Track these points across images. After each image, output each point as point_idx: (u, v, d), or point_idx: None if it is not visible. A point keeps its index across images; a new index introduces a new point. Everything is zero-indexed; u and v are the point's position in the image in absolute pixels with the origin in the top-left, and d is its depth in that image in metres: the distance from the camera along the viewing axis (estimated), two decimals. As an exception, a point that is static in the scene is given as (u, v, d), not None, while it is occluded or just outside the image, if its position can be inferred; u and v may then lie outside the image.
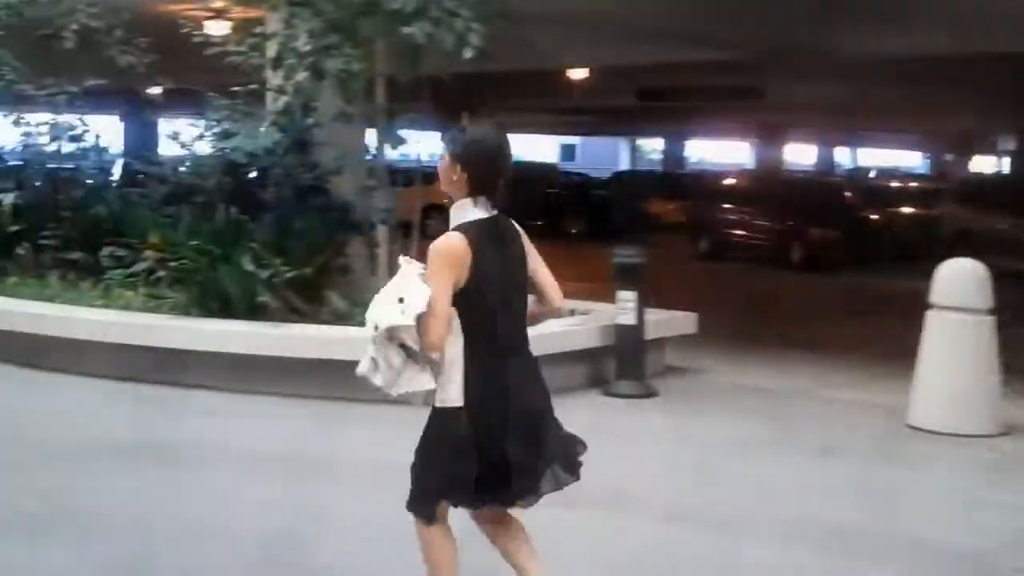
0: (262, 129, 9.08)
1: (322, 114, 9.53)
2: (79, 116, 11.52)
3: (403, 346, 3.66)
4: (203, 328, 8.53)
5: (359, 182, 10.90)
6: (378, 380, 3.74)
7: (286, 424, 7.72)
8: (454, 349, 3.72)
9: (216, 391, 8.27)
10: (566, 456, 3.97)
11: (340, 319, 8.74)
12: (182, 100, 15.28)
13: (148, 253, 10.01)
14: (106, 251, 10.51)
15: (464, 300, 3.70)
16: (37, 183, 11.34)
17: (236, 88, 10.01)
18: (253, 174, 10.64)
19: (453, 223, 3.79)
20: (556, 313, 4.26)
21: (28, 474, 6.38)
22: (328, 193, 10.50)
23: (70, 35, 11.06)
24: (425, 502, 3.84)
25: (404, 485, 3.89)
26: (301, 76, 9.09)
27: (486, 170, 3.79)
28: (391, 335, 3.64)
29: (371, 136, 10.68)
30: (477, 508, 3.93)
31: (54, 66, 11.52)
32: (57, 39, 11.08)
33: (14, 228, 11.15)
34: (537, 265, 3.99)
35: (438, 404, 3.75)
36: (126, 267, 10.08)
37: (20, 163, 11.97)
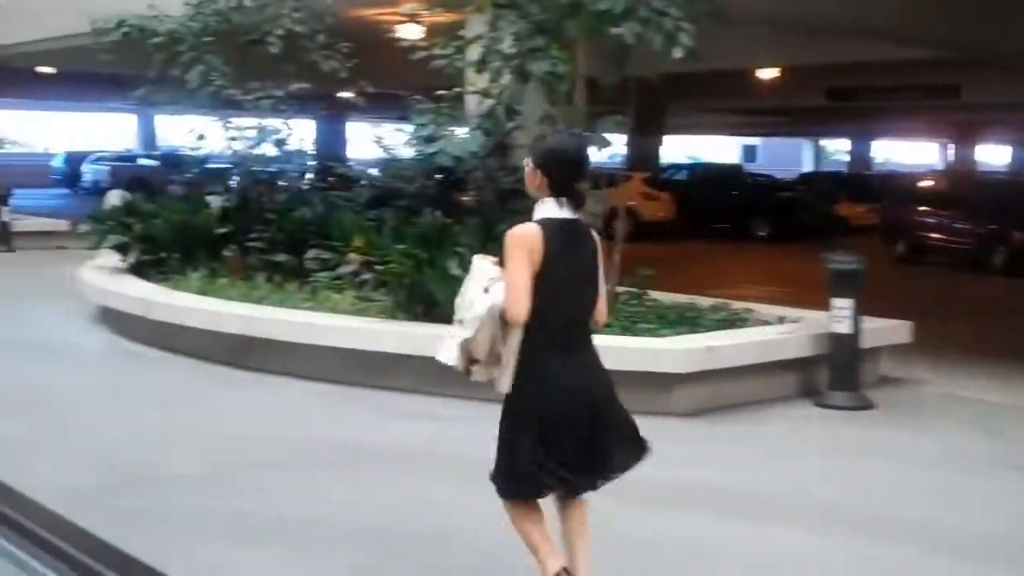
0: (466, 132, 9.02)
1: (525, 117, 9.45)
2: (284, 120, 11.71)
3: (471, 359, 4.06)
4: (410, 332, 8.51)
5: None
6: (460, 366, 4.09)
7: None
8: (515, 338, 3.97)
9: (422, 395, 8.25)
10: (616, 457, 4.21)
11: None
12: (376, 104, 15.44)
13: (352, 256, 10.12)
14: (311, 254, 10.67)
15: (532, 289, 3.94)
16: (244, 186, 11.55)
17: (441, 92, 10.02)
18: (454, 177, 10.71)
19: (535, 219, 4.07)
20: (597, 327, 4.36)
21: (239, 474, 6.44)
22: (530, 197, 10.46)
23: (275, 40, 11.29)
24: (510, 489, 4.14)
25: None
26: (505, 79, 9.04)
27: (563, 175, 4.08)
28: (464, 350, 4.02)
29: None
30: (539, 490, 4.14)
31: (259, 71, 11.77)
32: (263, 44, 11.32)
33: (221, 230, 11.41)
34: (601, 272, 4.26)
35: (497, 389, 4.07)
36: (331, 270, 10.20)
37: (227, 166, 12.25)
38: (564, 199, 4.06)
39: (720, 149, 65.51)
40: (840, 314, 8.51)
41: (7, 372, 9.12)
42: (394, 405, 8.12)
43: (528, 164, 4.17)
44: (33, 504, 2.46)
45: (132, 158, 42.76)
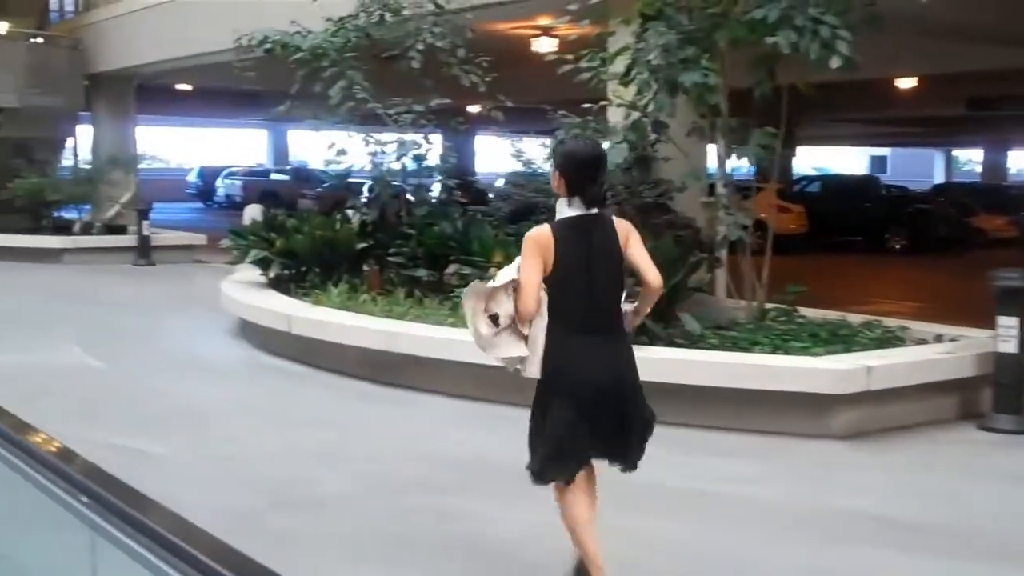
0: (613, 145, 8.85)
1: (672, 129, 9.25)
2: (424, 135, 11.68)
3: (491, 317, 4.41)
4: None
5: (698, 199, 10.65)
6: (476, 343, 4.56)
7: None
8: (539, 326, 4.40)
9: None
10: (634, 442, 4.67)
11: (694, 342, 8.40)
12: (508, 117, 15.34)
13: (493, 271, 10.00)
14: (451, 269, 10.60)
15: (547, 283, 4.38)
16: (384, 201, 11.55)
17: (587, 104, 9.88)
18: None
19: (556, 218, 4.50)
20: (654, 292, 4.67)
21: (394, 495, 6.34)
22: (672, 210, 10.26)
23: (416, 55, 11.27)
24: (542, 472, 4.53)
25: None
26: (652, 90, 8.86)
27: (578, 176, 4.45)
28: (480, 306, 4.44)
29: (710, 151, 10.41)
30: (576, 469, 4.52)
31: (398, 86, 11.77)
32: (403, 59, 11.32)
33: (361, 245, 11.42)
34: (638, 250, 4.58)
35: (525, 374, 4.50)
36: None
37: (368, 181, 12.27)
38: (578, 198, 4.43)
39: (848, 160, 64.18)
40: (1006, 333, 8.11)
41: (152, 387, 9.22)
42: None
43: (551, 168, 4.65)
44: (193, 528, 2.63)
45: (264, 173, 43.60)
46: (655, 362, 8.01)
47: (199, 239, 20.55)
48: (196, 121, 47.19)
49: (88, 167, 22.10)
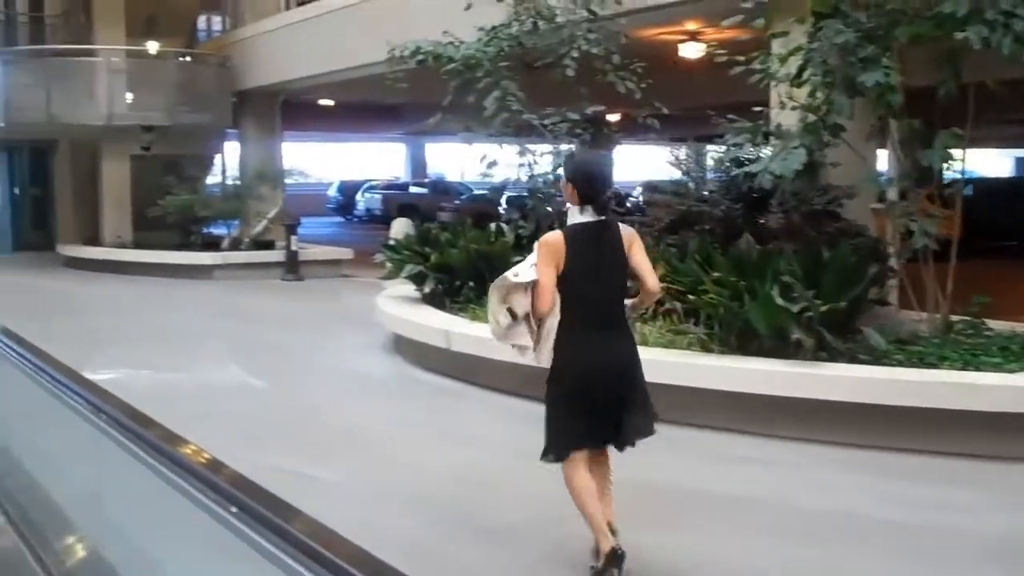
0: (777, 150, 8.39)
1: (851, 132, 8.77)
2: (579, 145, 11.34)
3: (510, 310, 4.92)
4: (728, 366, 7.95)
5: (868, 205, 10.14)
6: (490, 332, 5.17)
7: (829, 475, 6.98)
8: (552, 322, 4.91)
9: (745, 435, 7.69)
10: (628, 428, 5.13)
11: (878, 358, 7.90)
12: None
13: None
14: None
15: (560, 284, 4.86)
16: (540, 213, 11.26)
17: (757, 107, 9.47)
18: (756, 198, 10.11)
19: (568, 223, 4.98)
20: (653, 295, 5.24)
21: (576, 523, 6.01)
22: (842, 218, 9.77)
23: (571, 63, 10.97)
24: (548, 449, 5.12)
25: None
26: (828, 92, 8.40)
27: (588, 185, 4.92)
28: (504, 298, 4.93)
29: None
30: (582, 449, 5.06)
31: (548, 95, 11.48)
32: (558, 68, 11.03)
33: (517, 259, 11.14)
34: (640, 256, 5.08)
35: (536, 363, 5.06)
36: (633, 297, 9.75)
37: (524, 193, 12.00)
38: (589, 206, 4.89)
39: (991, 162, 61.84)
40: None
41: (312, 406, 9.09)
42: (719, 447, 7.57)
43: (564, 179, 5.06)
44: (337, 537, 2.59)
45: (403, 186, 43.79)
46: (837, 380, 7.58)
47: (346, 253, 20.59)
48: (335, 136, 47.73)
49: (236, 183, 22.38)
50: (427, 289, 11.40)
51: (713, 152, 11.52)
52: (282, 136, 23.47)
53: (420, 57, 11.72)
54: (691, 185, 11.04)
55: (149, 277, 19.27)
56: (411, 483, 6.81)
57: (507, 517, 6.14)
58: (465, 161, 57.67)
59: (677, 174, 11.60)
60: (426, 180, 45.46)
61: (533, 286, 4.85)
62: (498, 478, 6.94)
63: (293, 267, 19.46)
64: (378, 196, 41.14)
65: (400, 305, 11.33)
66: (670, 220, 10.79)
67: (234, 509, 2.95)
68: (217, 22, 25.68)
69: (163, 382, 10.11)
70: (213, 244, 20.89)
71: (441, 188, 39.80)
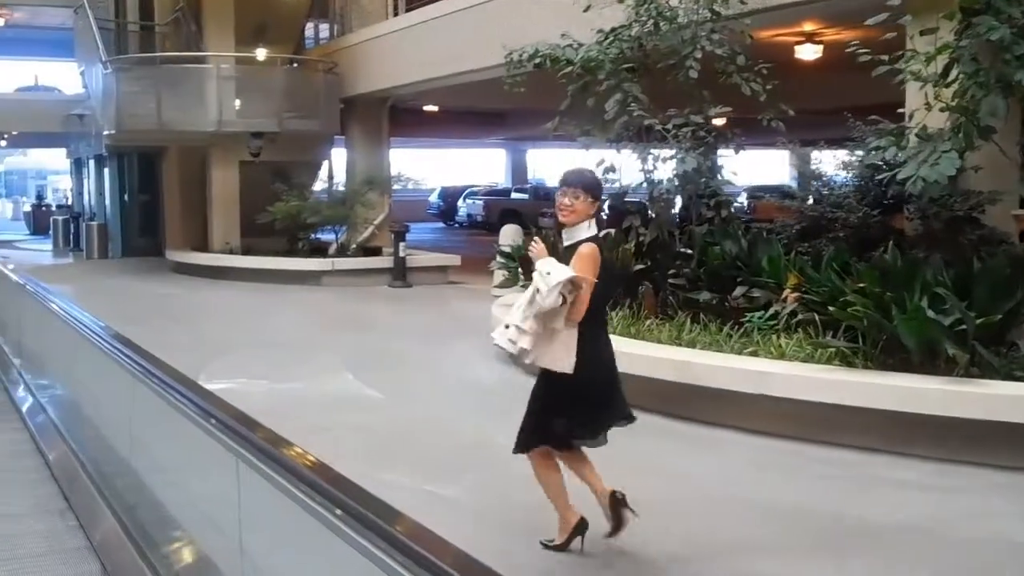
0: (940, 154, 7.88)
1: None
2: (703, 150, 10.91)
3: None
4: (874, 382, 7.48)
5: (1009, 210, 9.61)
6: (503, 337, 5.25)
7: (989, 501, 6.50)
8: (560, 324, 5.14)
9: (889, 455, 7.23)
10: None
11: (1035, 375, 7.38)
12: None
13: (788, 295, 9.22)
14: (737, 291, 9.83)
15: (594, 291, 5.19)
16: (662, 220, 10.86)
17: (901, 109, 8.98)
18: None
19: (579, 236, 5.30)
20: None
21: (735, 556, 5.64)
22: (983, 225, 9.24)
23: (694, 64, 10.56)
24: (528, 442, 5.65)
25: None
26: (977, 92, 7.90)
27: (600, 201, 5.48)
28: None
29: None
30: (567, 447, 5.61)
31: (668, 98, 11.09)
32: (681, 69, 10.63)
33: (638, 267, 10.78)
34: None
35: (557, 369, 5.22)
36: (761, 309, 9.33)
37: (642, 200, 11.62)
38: (594, 220, 5.37)
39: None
40: None
41: (432, 418, 8.82)
42: (870, 469, 7.11)
43: (578, 196, 5.31)
44: (483, 569, 2.61)
45: (505, 192, 43.62)
46: (999, 398, 7.07)
47: (453, 260, 20.37)
48: (436, 143, 47.72)
49: (343, 189, 22.31)
50: (545, 297, 11.07)
51: (843, 156, 11.01)
52: (389, 142, 23.33)
53: (538, 60, 11.41)
54: (823, 191, 10.54)
55: (257, 283, 19.26)
56: (543, 505, 6.47)
57: (662, 548, 5.77)
58: (566, 167, 57.60)
59: (785, 179, 11.14)
60: (527, 186, 45.22)
61: (568, 294, 5.05)
62: (634, 499, 6.57)
63: (401, 274, 19.29)
64: (480, 202, 41.05)
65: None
66: (801, 227, 10.34)
67: (339, 512, 3.07)
68: (324, 29, 25.67)
69: (279, 393, 9.92)
70: (320, 250, 20.82)
71: (542, 194, 39.48)
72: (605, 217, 15.54)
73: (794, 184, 41.44)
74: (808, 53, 17.06)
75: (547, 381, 5.39)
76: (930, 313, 7.46)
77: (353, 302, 17.12)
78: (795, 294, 9.25)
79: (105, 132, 21.55)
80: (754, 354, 8.46)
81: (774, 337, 8.76)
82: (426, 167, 53.89)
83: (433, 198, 46.79)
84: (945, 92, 8.28)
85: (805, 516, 6.21)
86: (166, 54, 22.55)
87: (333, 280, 19.27)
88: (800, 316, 8.98)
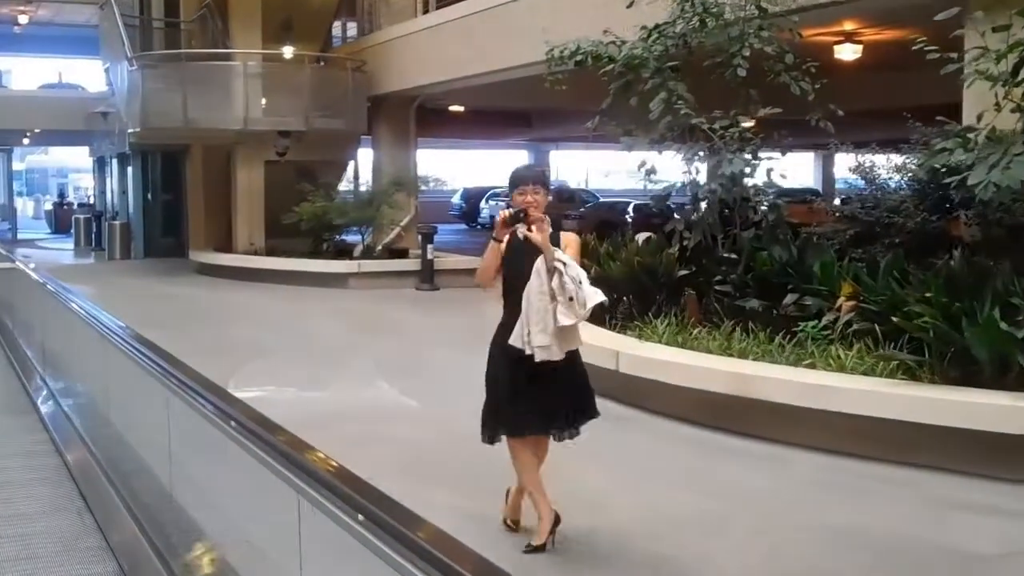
0: (1011, 158, 7.46)
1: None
2: (751, 150, 10.50)
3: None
4: (944, 398, 7.07)
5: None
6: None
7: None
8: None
9: (964, 476, 6.82)
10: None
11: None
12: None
13: (843, 303, 8.82)
14: (788, 299, 9.43)
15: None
16: (708, 224, 10.45)
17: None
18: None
19: (548, 229, 5.28)
20: None
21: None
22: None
23: (742, 62, 10.18)
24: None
25: None
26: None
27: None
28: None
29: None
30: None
31: (713, 97, 10.70)
32: (728, 68, 10.25)
33: (682, 272, 10.39)
34: None
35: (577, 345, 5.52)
36: (814, 318, 8.93)
37: (687, 202, 11.22)
38: None
39: None
40: None
41: (474, 431, 8.39)
42: (944, 491, 6.69)
43: (539, 192, 5.43)
44: (461, 547, 2.61)
45: (528, 194, 43.14)
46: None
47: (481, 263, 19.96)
48: (458, 143, 47.36)
49: (369, 190, 21.98)
50: (586, 304, 10.68)
51: (895, 159, 10.58)
52: (416, 142, 22.98)
53: (579, 58, 11.02)
54: (877, 194, 10.13)
55: (283, 285, 18.93)
56: (608, 528, 6.11)
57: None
58: (588, 168, 57.23)
59: (808, 182, 10.72)
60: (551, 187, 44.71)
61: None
62: (708, 521, 6.20)
63: (429, 276, 18.96)
64: (503, 204, 40.62)
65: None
66: (854, 232, 9.95)
67: (361, 517, 2.97)
68: (351, 27, 25.35)
69: (312, 402, 9.58)
70: (345, 252, 20.48)
71: (566, 196, 39.11)
72: (630, 220, 15.17)
73: (820, 187, 40.62)
74: (848, 53, 16.67)
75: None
76: (1003, 324, 7.06)
77: (381, 305, 16.77)
78: (850, 303, 8.86)
79: (129, 130, 21.28)
80: (811, 366, 8.06)
81: (831, 348, 8.37)
82: (447, 168, 53.54)
83: (455, 199, 46.42)
84: (1016, 92, 7.86)
85: (889, 544, 5.81)
86: (192, 51, 22.27)
87: (359, 283, 18.94)
88: (856, 326, 8.60)
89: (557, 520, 5.60)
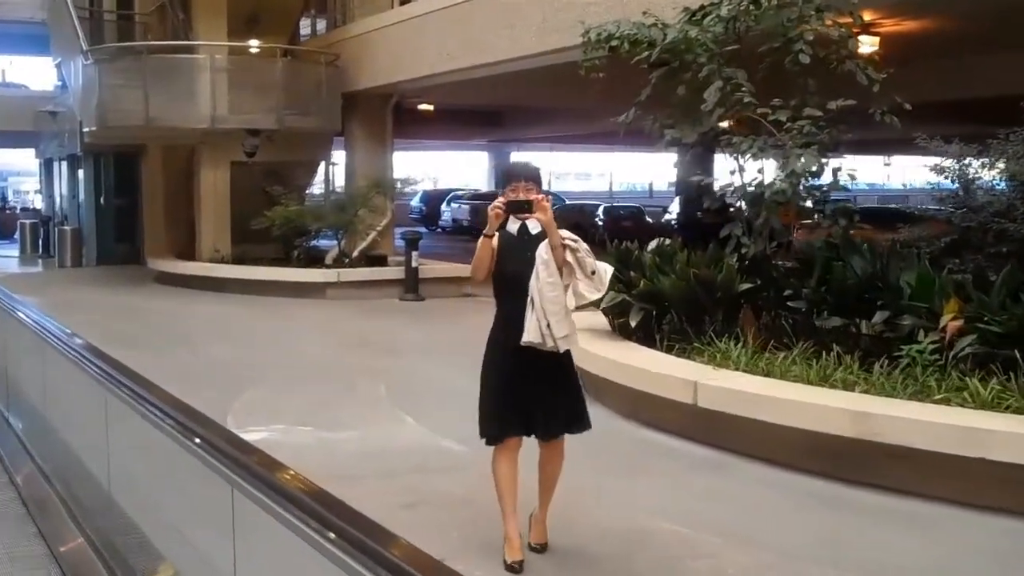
0: None
1: None
2: (818, 147, 9.21)
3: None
4: None
5: None
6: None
7: None
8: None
9: None
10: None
11: None
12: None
13: (947, 322, 7.60)
14: (877, 317, 8.19)
15: None
16: (773, 230, 9.18)
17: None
18: None
19: (538, 228, 5.27)
20: None
21: None
22: None
23: (804, 47, 8.95)
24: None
25: None
26: None
27: None
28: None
29: None
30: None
31: (773, 87, 9.45)
32: (789, 54, 9.02)
33: (744, 286, 9.10)
34: None
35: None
36: (907, 340, 7.69)
37: (739, 205, 9.93)
38: None
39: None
40: None
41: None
42: None
43: (532, 189, 5.25)
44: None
45: (492, 196, 41.70)
46: None
47: (467, 270, 18.46)
48: (418, 144, 45.90)
49: (342, 193, 20.49)
50: (633, 322, 9.35)
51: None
52: (393, 142, 21.52)
53: (614, 43, 9.72)
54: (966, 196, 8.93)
55: (254, 296, 17.42)
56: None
57: None
58: (551, 171, 55.84)
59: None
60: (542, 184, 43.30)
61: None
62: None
63: (413, 285, 17.57)
64: (466, 207, 39.30)
65: (601, 342, 9.32)
66: (950, 240, 8.73)
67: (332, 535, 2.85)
68: (320, 21, 23.80)
69: (332, 445, 8.10)
70: (317, 259, 18.99)
71: (533, 198, 37.75)
72: (600, 223, 13.82)
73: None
74: (863, 47, 15.53)
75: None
76: None
77: (368, 319, 15.33)
78: (957, 322, 7.64)
79: (85, 129, 19.64)
80: (946, 401, 6.81)
81: (950, 377, 7.13)
82: (408, 170, 52.16)
83: (415, 202, 44.91)
84: None
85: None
86: (155, 43, 20.65)
87: (338, 293, 17.51)
88: (968, 348, 7.38)
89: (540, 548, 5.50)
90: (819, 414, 6.87)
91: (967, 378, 7.03)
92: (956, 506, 6.21)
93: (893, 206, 21.90)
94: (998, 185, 9.04)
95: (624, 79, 9.71)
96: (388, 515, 5.94)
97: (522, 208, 5.18)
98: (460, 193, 42.47)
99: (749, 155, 9.11)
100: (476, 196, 41.56)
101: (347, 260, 18.80)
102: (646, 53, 9.73)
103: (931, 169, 9.43)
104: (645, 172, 56.90)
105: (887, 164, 61.14)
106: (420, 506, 6.29)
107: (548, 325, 5.09)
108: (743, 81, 9.10)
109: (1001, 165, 8.90)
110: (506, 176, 5.39)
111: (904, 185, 63.78)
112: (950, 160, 9.14)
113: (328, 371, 11.16)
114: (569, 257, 5.17)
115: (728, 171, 9.87)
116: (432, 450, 7.86)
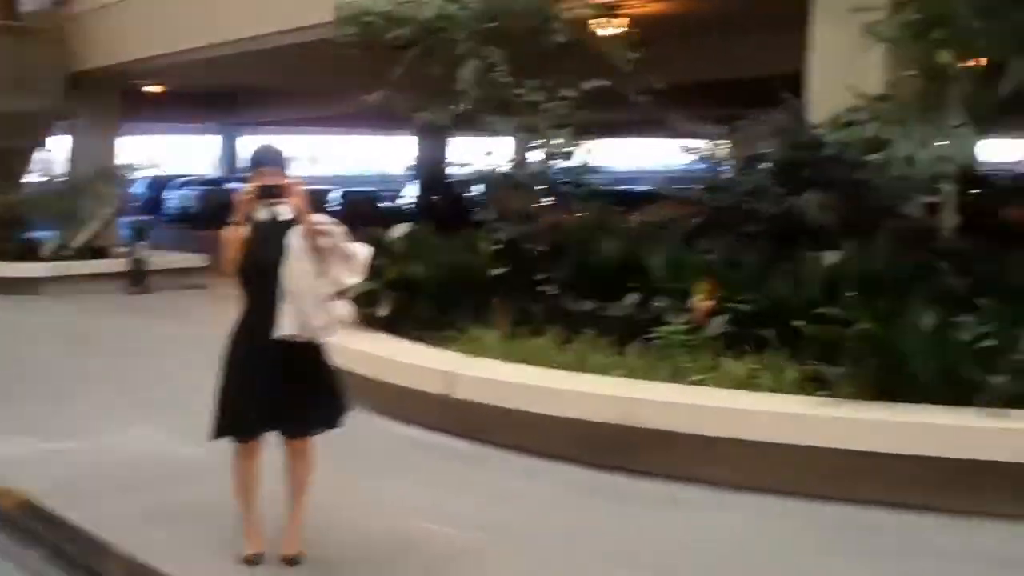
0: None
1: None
2: (571, 129, 9.07)
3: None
4: (886, 420, 5.93)
5: None
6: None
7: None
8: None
9: (933, 513, 5.70)
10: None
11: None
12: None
13: (695, 303, 7.63)
14: (628, 300, 8.13)
15: None
16: (525, 214, 9.01)
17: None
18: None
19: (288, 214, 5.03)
20: None
21: None
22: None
23: (561, 27, 8.84)
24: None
25: None
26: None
27: None
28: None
29: None
30: None
31: (531, 68, 9.28)
32: (545, 35, 8.89)
33: (496, 271, 8.87)
34: None
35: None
36: (657, 322, 7.67)
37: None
38: None
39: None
40: None
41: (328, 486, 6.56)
42: (914, 536, 5.52)
43: (279, 174, 5.07)
44: None
45: (220, 182, 40.14)
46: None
47: (196, 261, 17.53)
48: (144, 128, 43.81)
49: (65, 180, 19.11)
50: (383, 312, 8.96)
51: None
52: (120, 126, 20.29)
53: (368, 19, 9.31)
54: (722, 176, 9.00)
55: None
56: None
57: None
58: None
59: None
60: (242, 176, 41.92)
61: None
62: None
63: (139, 278, 16.56)
64: (194, 193, 37.70)
65: (348, 333, 8.87)
66: (701, 221, 8.76)
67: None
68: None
69: (59, 458, 7.22)
70: (31, 252, 17.42)
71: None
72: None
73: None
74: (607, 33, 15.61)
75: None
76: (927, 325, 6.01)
77: (92, 316, 14.21)
78: (707, 303, 7.66)
79: None
80: (704, 383, 6.75)
81: (703, 356, 7.11)
82: (136, 155, 49.77)
83: (138, 188, 42.71)
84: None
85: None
86: None
87: (56, 288, 15.98)
88: (722, 330, 7.41)
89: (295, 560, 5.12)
90: (583, 402, 6.70)
91: (720, 357, 7.02)
92: (719, 488, 6.14)
93: (646, 187, 22.33)
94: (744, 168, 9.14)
95: (377, 58, 9.32)
96: (130, 531, 5.41)
97: (272, 193, 4.96)
98: (188, 179, 40.82)
99: (502, 136, 8.88)
100: (205, 182, 40.09)
101: (67, 252, 17.47)
102: (401, 30, 9.38)
103: (684, 150, 9.47)
104: (380, 156, 56.46)
105: (639, 147, 62.62)
106: (164, 519, 5.71)
107: (305, 315, 4.85)
108: (499, 61, 8.87)
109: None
110: (253, 161, 5.18)
111: (665, 168, 65.29)
112: (701, 141, 9.20)
113: (48, 376, 10.16)
114: (324, 242, 4.92)
115: (484, 153, 9.69)
116: (172, 458, 7.19)
